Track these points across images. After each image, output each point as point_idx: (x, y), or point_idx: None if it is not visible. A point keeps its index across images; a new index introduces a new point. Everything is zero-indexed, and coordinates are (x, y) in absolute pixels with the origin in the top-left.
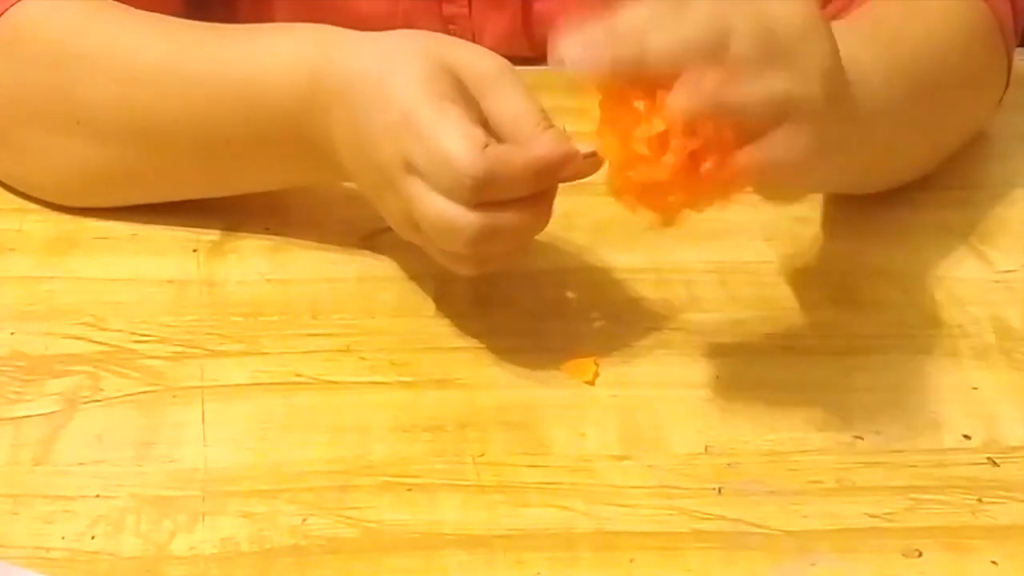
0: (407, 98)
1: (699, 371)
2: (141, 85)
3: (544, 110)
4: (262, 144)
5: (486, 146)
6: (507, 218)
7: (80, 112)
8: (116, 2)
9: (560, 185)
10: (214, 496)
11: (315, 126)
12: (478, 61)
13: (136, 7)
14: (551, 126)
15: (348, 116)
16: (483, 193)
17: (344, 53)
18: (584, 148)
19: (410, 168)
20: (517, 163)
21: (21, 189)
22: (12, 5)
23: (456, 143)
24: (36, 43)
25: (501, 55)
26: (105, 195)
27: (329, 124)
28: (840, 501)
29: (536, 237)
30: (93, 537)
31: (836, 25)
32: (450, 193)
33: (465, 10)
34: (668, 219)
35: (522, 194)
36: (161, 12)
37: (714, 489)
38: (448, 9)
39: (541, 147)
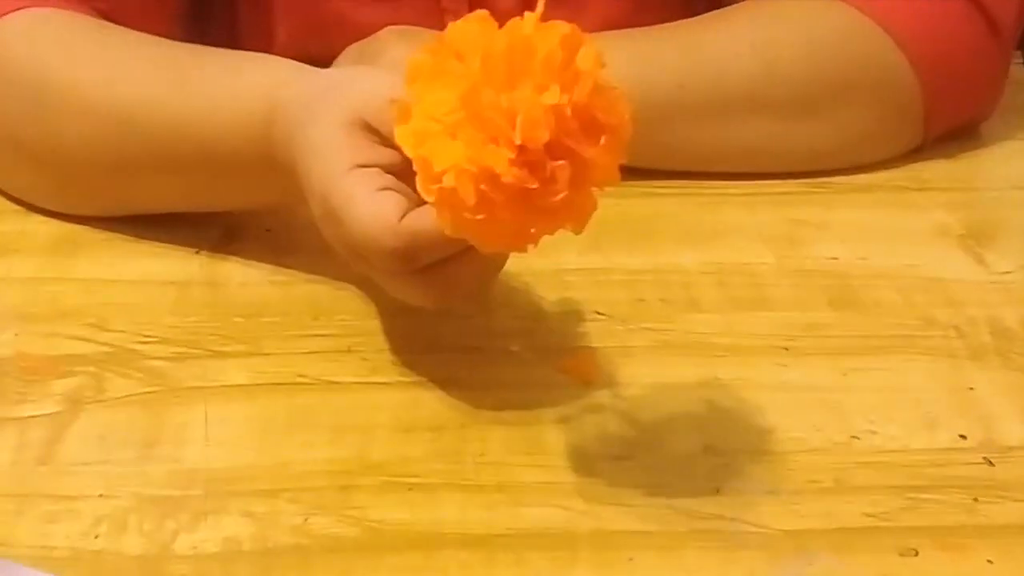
0: (321, 183)
1: (698, 371)
2: (108, 125)
3: None
4: (231, 180)
5: (403, 215)
6: (457, 269)
7: (53, 141)
8: (97, 23)
9: None
10: (216, 496)
11: (279, 161)
12: (377, 95)
13: (134, 20)
14: None
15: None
16: (414, 263)
17: (286, 96)
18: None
19: (351, 250)
20: (433, 230)
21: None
22: None
23: (370, 226)
24: (11, 69)
25: None
26: (82, 207)
27: (290, 166)
28: (837, 501)
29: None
30: (96, 536)
31: (641, 31)
32: (387, 271)
33: None
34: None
35: (457, 248)
36: (160, 26)
37: (712, 489)
38: (450, 19)
39: None
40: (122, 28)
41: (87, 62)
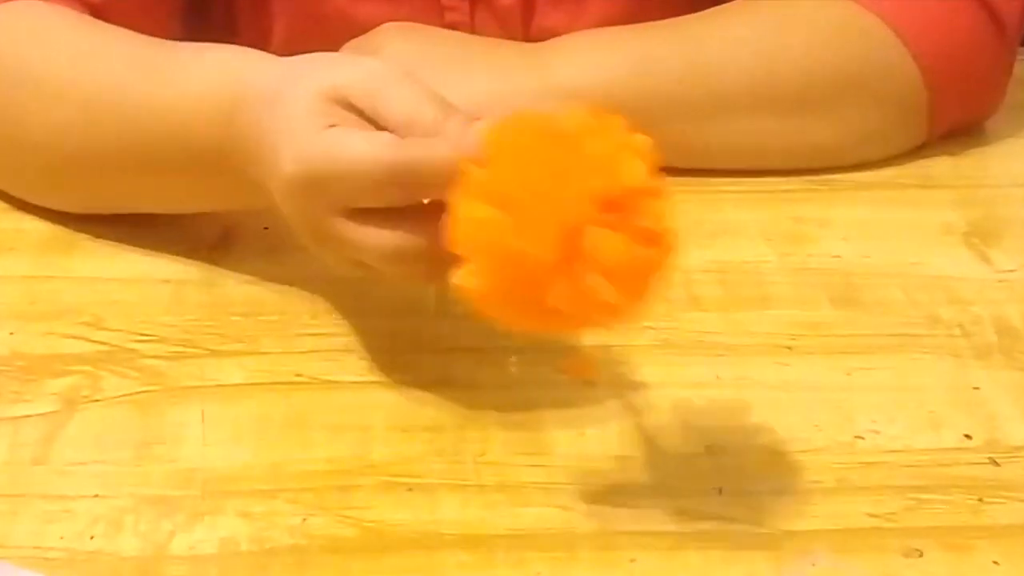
0: (292, 149)
1: (699, 371)
2: (77, 110)
3: (441, 97)
4: (198, 174)
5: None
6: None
7: (25, 129)
8: (77, 16)
9: None
10: (213, 496)
11: (242, 157)
12: (358, 73)
13: (131, 17)
14: (456, 115)
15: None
16: (405, 191)
17: (251, 81)
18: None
19: (333, 211)
20: (430, 159)
21: None
22: None
23: (368, 150)
24: None
25: None
26: (57, 201)
27: (254, 152)
28: (841, 501)
29: None
30: (92, 537)
31: (642, 27)
32: (362, 207)
33: (467, 18)
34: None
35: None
36: (157, 23)
37: (715, 489)
38: (450, 17)
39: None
40: (101, 22)
41: (60, 50)
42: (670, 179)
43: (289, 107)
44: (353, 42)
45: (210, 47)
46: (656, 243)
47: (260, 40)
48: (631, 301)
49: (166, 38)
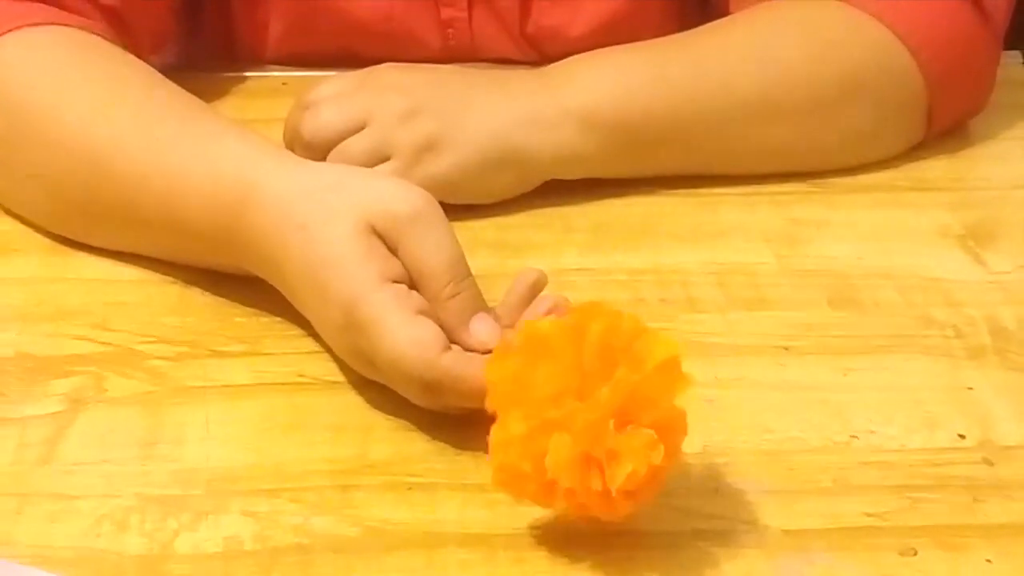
0: (345, 292)
1: (698, 371)
2: (82, 163)
3: (459, 261)
4: (195, 245)
5: (442, 349)
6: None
7: (32, 168)
8: (94, 45)
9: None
10: (217, 495)
11: (253, 248)
12: (391, 207)
13: (136, 11)
14: (462, 289)
15: (283, 266)
16: (440, 398)
17: (265, 191)
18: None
19: (366, 361)
20: (471, 378)
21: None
22: None
23: (407, 355)
24: (2, 94)
25: (500, 60)
26: (67, 233)
27: (262, 247)
28: (837, 500)
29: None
30: (98, 536)
31: (648, 45)
32: (405, 390)
33: (464, 14)
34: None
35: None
36: (158, 19)
37: (712, 489)
38: (446, 13)
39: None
40: (113, 55)
41: (71, 97)
42: (670, 182)
43: (331, 238)
44: (357, 73)
45: (218, 127)
46: (665, 440)
47: (256, 37)
48: (642, 500)
49: (162, 32)
